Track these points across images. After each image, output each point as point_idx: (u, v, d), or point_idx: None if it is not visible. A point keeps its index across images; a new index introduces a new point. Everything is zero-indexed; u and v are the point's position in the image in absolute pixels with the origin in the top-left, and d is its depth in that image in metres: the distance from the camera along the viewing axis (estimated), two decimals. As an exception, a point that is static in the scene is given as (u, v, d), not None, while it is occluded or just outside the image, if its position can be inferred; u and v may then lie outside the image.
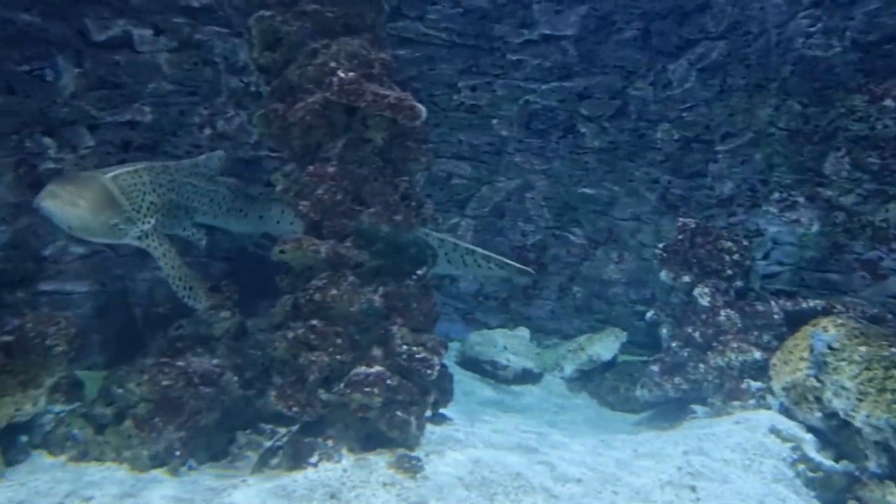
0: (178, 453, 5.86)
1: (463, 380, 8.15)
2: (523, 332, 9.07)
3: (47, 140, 7.38)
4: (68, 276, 7.49)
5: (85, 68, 7.45)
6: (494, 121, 9.00)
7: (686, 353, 7.56)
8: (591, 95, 8.84)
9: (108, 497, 5.22)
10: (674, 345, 7.72)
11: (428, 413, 6.12)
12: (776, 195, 8.25)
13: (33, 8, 7.13)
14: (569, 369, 8.68)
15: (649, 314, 8.31)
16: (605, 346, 8.63)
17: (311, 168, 6.01)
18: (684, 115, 8.64)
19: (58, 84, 7.34)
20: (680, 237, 8.04)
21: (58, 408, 6.35)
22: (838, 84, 7.78)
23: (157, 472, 5.75)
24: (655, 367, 7.68)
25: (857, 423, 5.75)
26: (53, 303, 7.38)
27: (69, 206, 5.78)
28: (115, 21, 7.51)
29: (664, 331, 8.04)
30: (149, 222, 6.44)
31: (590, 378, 8.60)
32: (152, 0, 7.56)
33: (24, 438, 5.96)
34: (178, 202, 6.83)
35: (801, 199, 8.09)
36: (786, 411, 6.64)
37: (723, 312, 7.51)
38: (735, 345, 7.28)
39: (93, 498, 5.20)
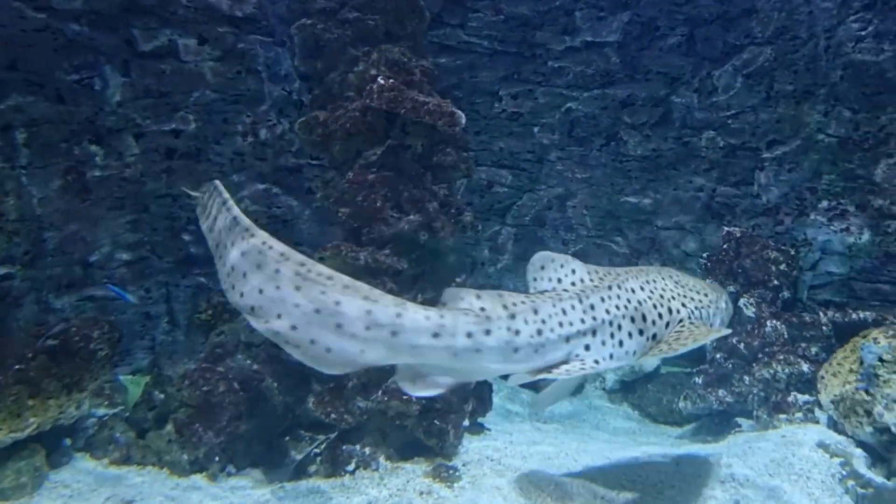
0: (217, 458, 5.90)
1: (501, 390, 8.08)
2: (564, 341, 8.95)
3: (94, 148, 7.51)
4: (113, 282, 7.61)
5: (132, 77, 7.58)
6: (536, 128, 8.93)
7: (731, 365, 7.40)
8: (634, 103, 8.72)
9: (148, 501, 5.26)
10: (718, 356, 7.55)
11: (466, 422, 6.08)
12: (825, 203, 8.03)
13: (83, 18, 7.28)
14: (610, 380, 8.56)
15: (692, 325, 8.12)
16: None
17: (350, 175, 6.03)
18: (730, 122, 8.47)
19: (105, 93, 7.48)
20: (725, 246, 7.89)
21: (101, 411, 6.46)
22: (890, 89, 7.57)
23: (197, 477, 5.79)
24: (699, 379, 7.52)
25: (910, 439, 5.56)
26: (99, 308, 7.51)
27: None
28: (162, 31, 7.63)
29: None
30: None
31: (631, 389, 8.46)
32: (198, 10, 7.67)
33: (67, 441, 6.07)
34: None
35: (850, 208, 7.88)
36: (834, 425, 6.45)
37: (769, 323, 7.33)
38: (782, 357, 7.10)
39: (133, 501, 5.24)
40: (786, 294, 7.64)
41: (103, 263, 7.58)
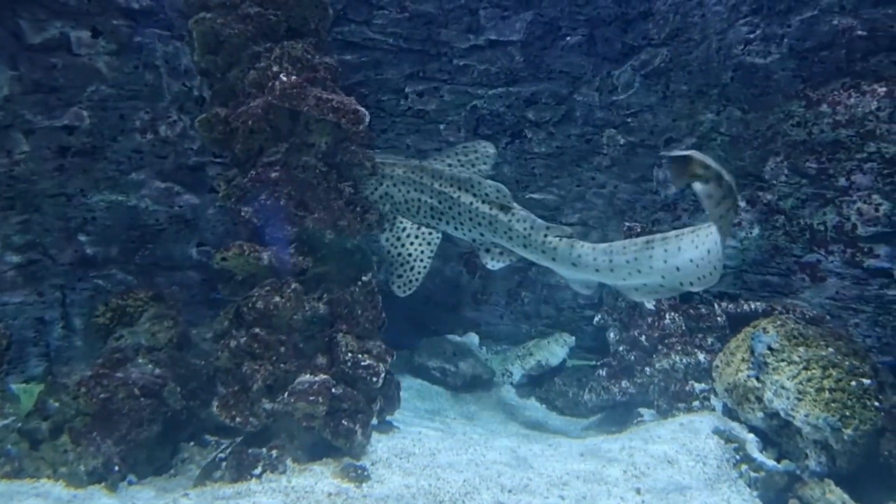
0: (116, 468, 5.71)
1: (412, 387, 8.10)
2: (472, 338, 9.05)
3: (-20, 145, 7.14)
4: (3, 286, 7.26)
5: (20, 71, 7.22)
6: (442, 126, 8.97)
7: (633, 357, 7.63)
8: (537, 101, 8.87)
9: (41, 515, 5.05)
10: (621, 349, 7.78)
11: (374, 421, 6.06)
12: (719, 199, 8.34)
13: (-36, 9, 6.90)
14: (518, 375, 8.68)
15: (596, 318, 8.36)
16: (554, 350, 8.64)
17: (253, 173, 5.92)
18: (629, 120, 8.71)
19: (-9, 87, 7.12)
20: (626, 241, 8.10)
21: (-10, 423, 6.15)
22: (777, 90, 7.94)
23: (95, 488, 5.59)
24: (603, 372, 7.73)
25: (797, 423, 5.86)
26: (-13, 314, 7.15)
27: None
28: (52, 23, 7.30)
29: (611, 335, 8.09)
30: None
31: (539, 383, 8.61)
32: (90, 1, 7.38)
33: (-46, 455, 5.76)
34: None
35: (742, 203, 8.22)
36: (729, 412, 6.74)
37: (668, 316, 7.59)
38: (679, 347, 7.37)
39: (26, 516, 5.03)
40: (683, 287, 7.92)
41: (-9, 267, 7.22)
